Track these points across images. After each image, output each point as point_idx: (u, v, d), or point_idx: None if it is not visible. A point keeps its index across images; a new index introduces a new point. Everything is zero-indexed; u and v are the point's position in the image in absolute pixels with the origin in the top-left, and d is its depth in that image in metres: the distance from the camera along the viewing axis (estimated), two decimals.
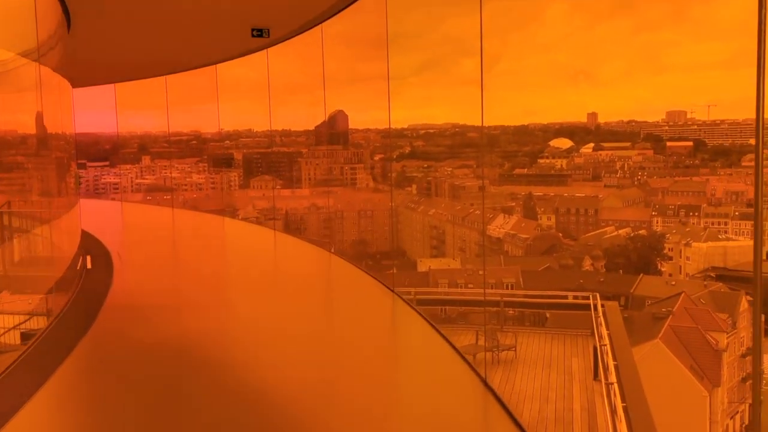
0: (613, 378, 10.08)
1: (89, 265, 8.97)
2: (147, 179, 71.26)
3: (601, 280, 49.91)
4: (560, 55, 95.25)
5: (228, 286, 8.87)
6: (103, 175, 68.52)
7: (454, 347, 6.72)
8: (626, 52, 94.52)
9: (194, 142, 78.55)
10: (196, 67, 12.48)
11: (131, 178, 71.16)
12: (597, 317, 13.98)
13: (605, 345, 11.60)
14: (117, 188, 72.72)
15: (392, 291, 7.27)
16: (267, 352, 6.27)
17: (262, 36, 8.90)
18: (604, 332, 12.45)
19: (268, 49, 10.84)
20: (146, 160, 69.55)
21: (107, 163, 67.96)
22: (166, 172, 74.57)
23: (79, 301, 7.59)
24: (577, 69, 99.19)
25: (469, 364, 6.23)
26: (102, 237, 11.66)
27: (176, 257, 10.77)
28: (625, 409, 9.15)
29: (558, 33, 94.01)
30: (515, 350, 13.39)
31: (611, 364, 10.80)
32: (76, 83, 12.87)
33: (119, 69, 13.91)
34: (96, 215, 15.90)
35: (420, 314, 7.55)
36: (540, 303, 17.31)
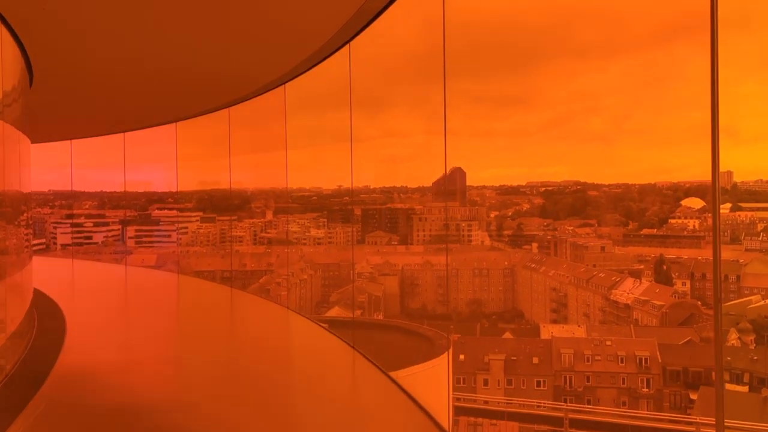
0: None
1: None
2: (270, 233, 70.30)
3: (755, 358, 40.92)
4: (698, 112, 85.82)
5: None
6: (231, 229, 68.05)
7: None
8: None
9: (314, 198, 77.06)
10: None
11: (255, 231, 70.39)
12: None
13: None
14: (242, 241, 71.97)
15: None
16: None
17: None
18: None
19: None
20: (269, 214, 68.64)
21: (235, 217, 67.54)
22: (287, 227, 73.27)
23: None
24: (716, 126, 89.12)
25: None
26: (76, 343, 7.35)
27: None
28: None
29: (698, 88, 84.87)
30: None
31: None
32: (35, 138, 9.85)
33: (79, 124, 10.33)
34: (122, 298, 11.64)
35: None
36: None
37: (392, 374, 9.42)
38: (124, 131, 14.38)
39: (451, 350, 10.25)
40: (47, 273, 14.23)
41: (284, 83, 8.62)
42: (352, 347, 6.30)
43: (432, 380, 9.93)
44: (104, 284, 12.01)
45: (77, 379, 6.15)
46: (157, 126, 13.12)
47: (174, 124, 12.81)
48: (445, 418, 10.24)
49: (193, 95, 9.53)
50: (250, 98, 9.69)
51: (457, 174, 70.00)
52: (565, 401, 41.27)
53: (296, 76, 8.21)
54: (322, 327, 7.77)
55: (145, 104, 10.33)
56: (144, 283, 12.37)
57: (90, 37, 6.27)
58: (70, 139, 15.20)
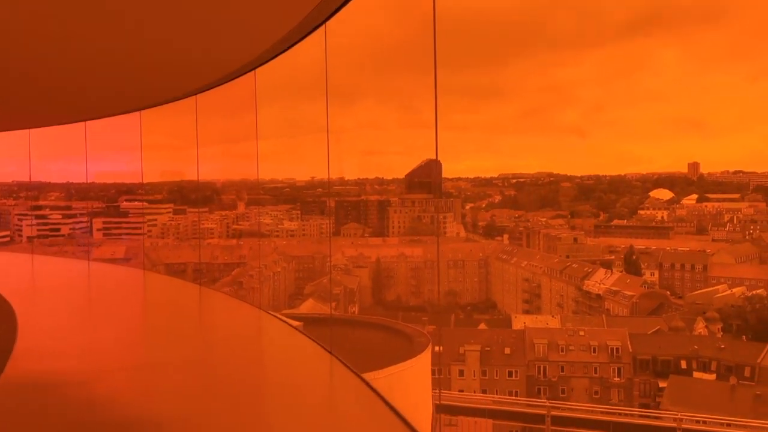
0: None
1: None
2: (242, 225, 69.14)
3: (722, 347, 41.45)
4: (668, 104, 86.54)
5: None
6: (201, 221, 66.61)
7: None
8: (741, 100, 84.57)
9: (288, 189, 76.01)
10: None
11: (227, 223, 69.11)
12: None
13: None
14: (213, 233, 70.55)
15: None
16: None
17: None
18: None
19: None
20: (241, 206, 67.44)
21: (206, 209, 66.18)
22: (259, 218, 71.77)
23: None
24: (684, 118, 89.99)
25: None
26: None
27: None
28: None
29: (667, 81, 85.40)
30: None
31: None
32: None
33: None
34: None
35: None
36: None
37: (371, 375, 8.93)
38: (85, 120, 13.54)
39: (430, 348, 9.82)
40: (1, 269, 13.40)
41: (255, 68, 8.03)
42: (330, 352, 5.79)
43: (412, 380, 9.51)
44: (63, 282, 11.22)
45: (28, 390, 5.56)
46: (121, 114, 12.34)
47: (138, 112, 12.05)
48: (425, 420, 9.82)
49: (156, 81, 8.86)
50: (219, 85, 9.08)
51: (432, 166, 69.77)
52: (539, 391, 41.37)
53: (268, 61, 7.62)
54: (297, 329, 7.24)
55: (104, 91, 9.60)
56: (106, 281, 11.61)
57: (40, 14, 5.63)
58: (28, 128, 14.33)
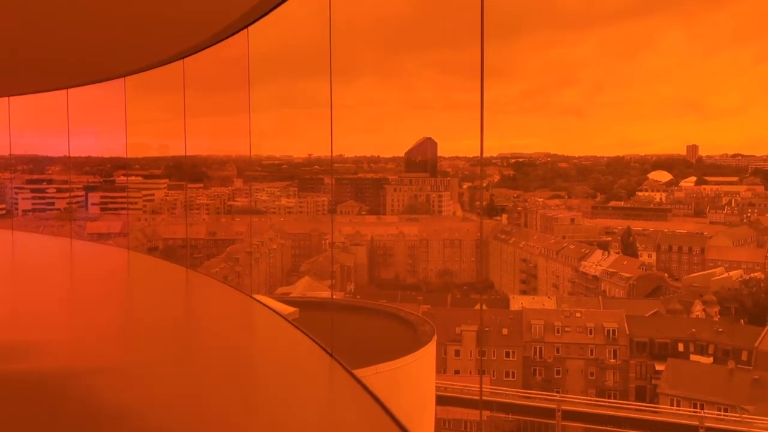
0: None
1: None
2: (239, 201, 68.09)
3: (719, 330, 40.85)
4: (668, 86, 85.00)
5: None
6: (197, 197, 65.50)
7: None
8: (743, 83, 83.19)
9: (285, 166, 74.78)
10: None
11: (223, 199, 68.02)
12: None
13: None
14: (209, 209, 69.40)
15: None
16: None
17: None
18: None
19: None
20: (238, 182, 66.35)
21: (201, 185, 65.04)
22: (256, 195, 70.54)
23: None
24: (685, 100, 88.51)
25: None
26: None
27: None
28: None
29: (671, 62, 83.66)
30: None
31: None
32: None
33: None
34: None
35: None
36: None
37: (374, 368, 8.06)
38: (66, 87, 12.39)
39: (435, 339, 9.04)
40: None
41: (247, 26, 7.06)
42: (330, 354, 4.92)
43: (416, 374, 8.71)
44: (33, 268, 10.06)
45: None
46: (104, 81, 11.24)
47: (122, 79, 10.94)
48: (428, 415, 9.06)
49: (140, 40, 7.87)
50: (209, 46, 8.10)
51: (428, 144, 68.68)
52: (534, 372, 40.87)
53: (261, 17, 6.66)
54: (291, 324, 6.37)
55: (84, 53, 8.63)
56: (81, 265, 10.50)
57: None
58: (7, 96, 13.27)
